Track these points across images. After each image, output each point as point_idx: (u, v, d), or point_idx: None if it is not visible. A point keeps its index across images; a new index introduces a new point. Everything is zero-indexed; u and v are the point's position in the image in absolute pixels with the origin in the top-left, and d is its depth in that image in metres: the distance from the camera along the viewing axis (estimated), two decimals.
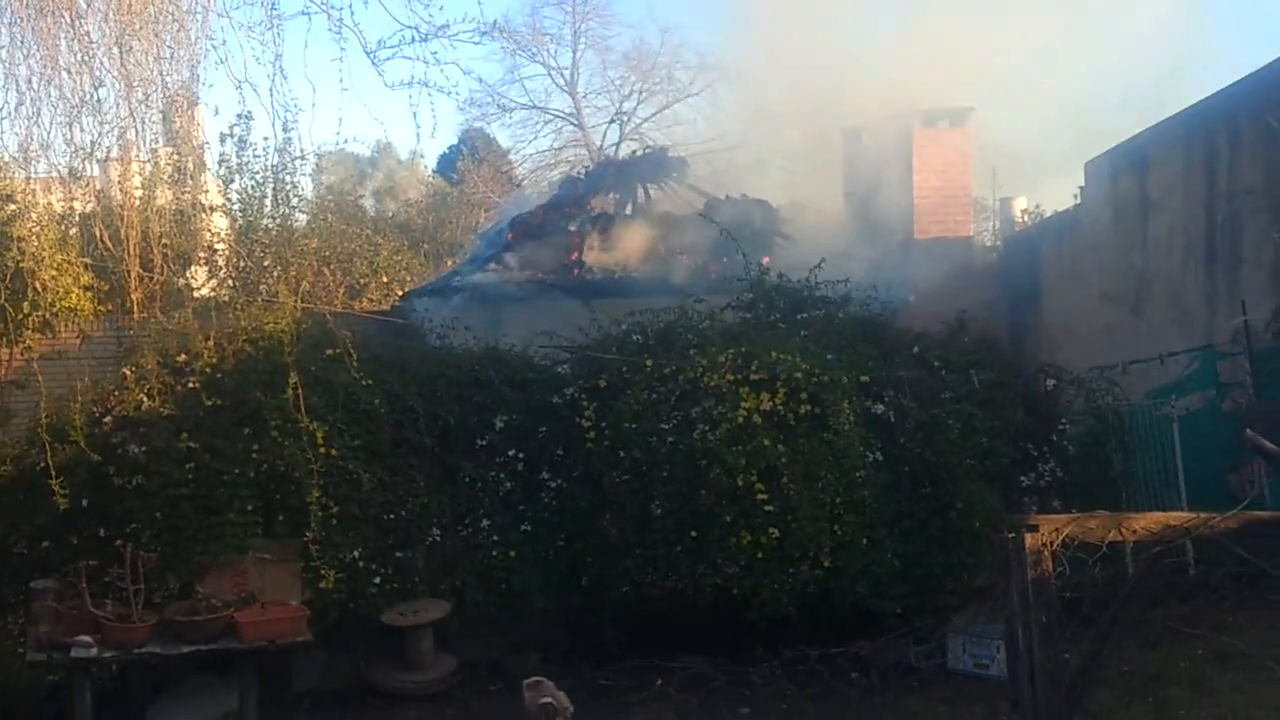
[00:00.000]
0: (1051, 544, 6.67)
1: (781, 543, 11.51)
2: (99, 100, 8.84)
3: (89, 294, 12.92)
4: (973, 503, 12.19)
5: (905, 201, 18.88)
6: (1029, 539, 6.67)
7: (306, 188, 18.12)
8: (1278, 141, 14.18)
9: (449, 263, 20.33)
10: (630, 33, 51.72)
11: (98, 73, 8.67)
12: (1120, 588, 8.16)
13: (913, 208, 18.73)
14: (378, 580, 11.91)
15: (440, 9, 8.42)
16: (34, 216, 11.72)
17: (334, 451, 11.75)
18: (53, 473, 10.86)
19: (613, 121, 39.58)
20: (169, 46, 8.56)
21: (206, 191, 14.60)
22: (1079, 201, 19.39)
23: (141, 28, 8.40)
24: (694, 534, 11.71)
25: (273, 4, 8.44)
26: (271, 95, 8.67)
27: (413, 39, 8.51)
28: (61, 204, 11.71)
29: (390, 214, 31.11)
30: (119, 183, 11.70)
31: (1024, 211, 24.81)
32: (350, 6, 8.30)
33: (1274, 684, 9.21)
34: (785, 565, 11.58)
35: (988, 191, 25.45)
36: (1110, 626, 7.63)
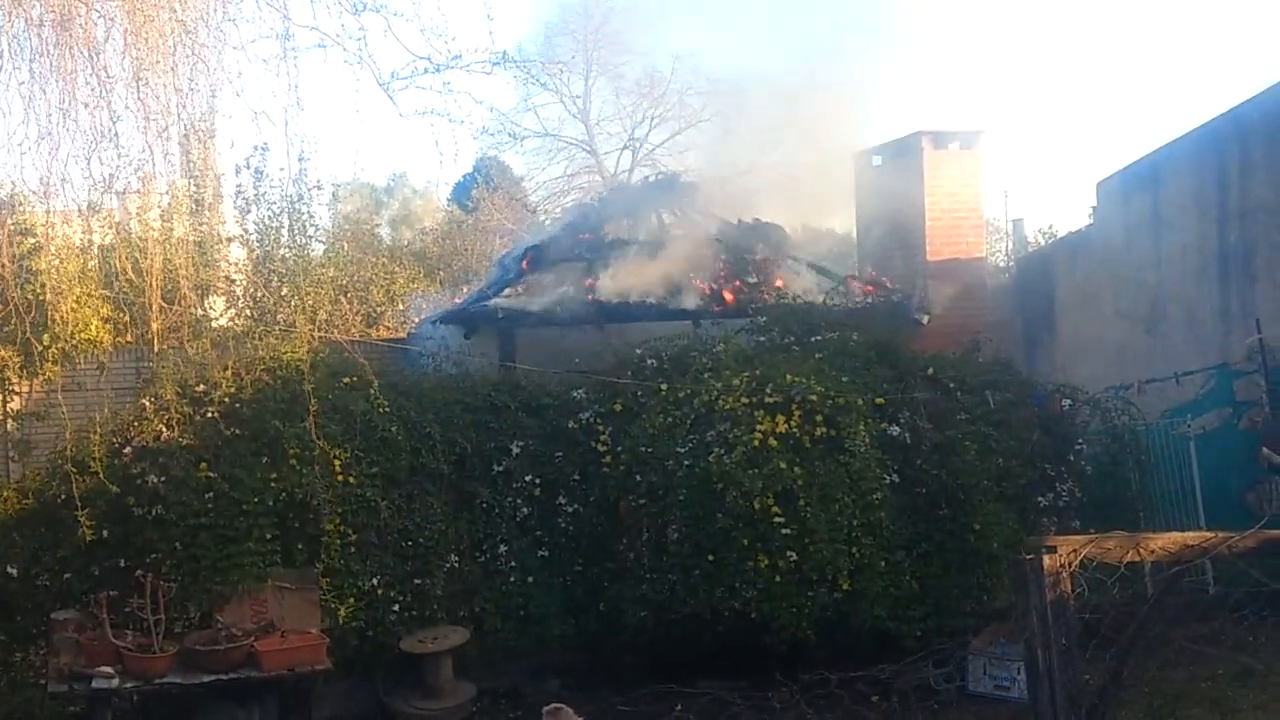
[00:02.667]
0: (1070, 565, 6.70)
1: (799, 566, 11.52)
2: (117, 133, 8.92)
3: (108, 326, 13.00)
4: (990, 524, 12.19)
5: (917, 223, 18.89)
6: (1047, 560, 6.69)
7: (323, 217, 18.21)
8: None
9: (464, 290, 20.38)
10: (642, 60, 51.74)
11: (115, 106, 8.75)
12: (1139, 608, 8.16)
13: (924, 229, 18.72)
14: (396, 608, 11.95)
15: (454, 39, 8.49)
16: (53, 249, 11.81)
17: (352, 479, 11.80)
18: (78, 504, 10.93)
19: (625, 148, 39.74)
20: (187, 79, 8.64)
21: (224, 222, 14.71)
22: (1092, 221, 19.39)
23: (159, 61, 8.48)
24: (711, 558, 11.71)
25: (288, 36, 8.52)
26: (287, 126, 8.75)
27: (426, 70, 8.59)
28: (81, 236, 11.78)
29: (406, 242, 31.27)
30: (138, 215, 11.78)
31: (1037, 232, 24.83)
32: (364, 39, 8.38)
33: None
34: (803, 588, 11.58)
35: (1000, 213, 25.51)
36: (1130, 647, 7.64)
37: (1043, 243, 24.31)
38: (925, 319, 17.18)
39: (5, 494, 12.01)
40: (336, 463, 11.72)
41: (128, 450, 11.73)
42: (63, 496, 11.39)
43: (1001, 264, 24.81)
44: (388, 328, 19.01)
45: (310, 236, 16.32)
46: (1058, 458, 13.22)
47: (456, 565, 12.35)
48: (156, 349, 11.56)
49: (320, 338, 12.77)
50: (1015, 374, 14.64)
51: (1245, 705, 9.78)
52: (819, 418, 11.99)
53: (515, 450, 12.84)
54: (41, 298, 10.92)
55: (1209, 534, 7.44)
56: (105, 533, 11.34)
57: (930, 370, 13.40)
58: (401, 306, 20.00)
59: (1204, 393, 14.21)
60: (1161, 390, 14.29)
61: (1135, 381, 14.33)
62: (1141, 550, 6.88)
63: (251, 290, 15.26)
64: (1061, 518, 12.81)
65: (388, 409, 12.15)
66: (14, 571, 11.57)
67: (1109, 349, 17.48)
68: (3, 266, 9.61)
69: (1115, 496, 13.24)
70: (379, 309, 20.11)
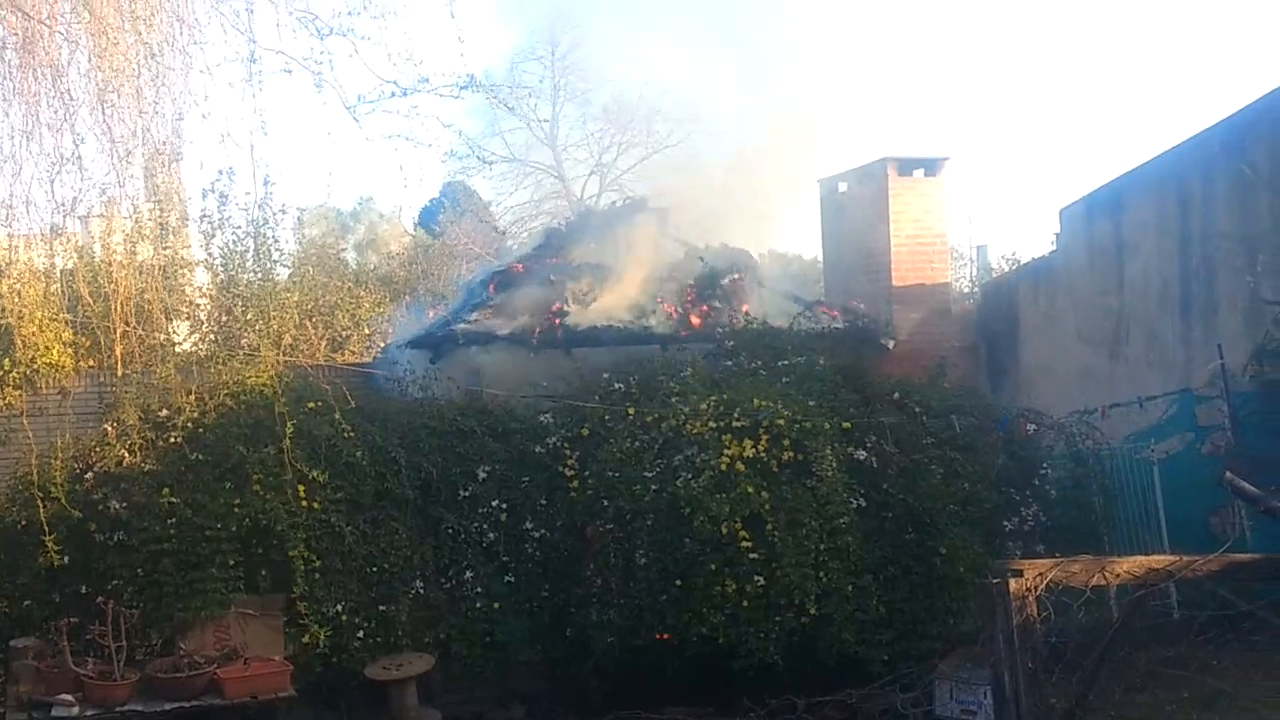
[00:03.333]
0: (1036, 588, 6.72)
1: (766, 590, 11.50)
2: (80, 156, 8.87)
3: (70, 350, 12.90)
4: (956, 548, 12.21)
5: (882, 249, 18.97)
6: (1013, 584, 6.72)
7: (288, 242, 18.13)
8: (1251, 186, 14.33)
9: (431, 314, 20.31)
10: (609, 86, 51.88)
11: (79, 129, 8.71)
12: (1105, 632, 8.19)
13: (889, 255, 18.81)
14: (361, 634, 11.87)
15: (420, 63, 8.49)
16: (15, 273, 11.72)
17: (316, 505, 11.73)
18: (45, 529, 10.83)
19: (593, 173, 39.81)
20: (152, 103, 8.60)
21: (189, 246, 14.63)
22: (1055, 247, 19.52)
23: (124, 84, 8.45)
24: (678, 583, 11.69)
25: (249, 58, 8.49)
26: (253, 150, 8.73)
27: (393, 94, 8.58)
28: (43, 260, 11.70)
29: (372, 267, 31.16)
30: (101, 239, 11.71)
31: (1001, 258, 24.97)
32: (330, 62, 8.37)
33: None
34: (771, 613, 11.56)
35: (964, 239, 25.67)
36: (1096, 670, 7.66)
37: (1007, 269, 24.44)
38: (891, 344, 17.25)
39: None
40: (301, 488, 11.64)
41: (89, 476, 11.64)
42: (23, 522, 11.29)
43: (966, 290, 24.91)
44: (353, 352, 18.92)
45: (275, 261, 16.23)
46: (1023, 482, 13.27)
47: (422, 591, 12.27)
48: (120, 373, 11.48)
49: (285, 362, 12.70)
50: (980, 399, 14.70)
51: None
52: (786, 442, 12.00)
53: (482, 475, 12.79)
54: (3, 321, 10.84)
55: (1173, 557, 7.48)
56: (66, 559, 11.24)
57: (896, 395, 13.44)
58: (367, 331, 19.91)
59: (1167, 417, 14.28)
60: (1125, 415, 14.36)
61: (1099, 406, 14.39)
62: (1107, 574, 6.92)
63: (216, 315, 15.17)
64: (1026, 542, 12.84)
65: (353, 434, 12.10)
66: None
67: (1073, 374, 17.56)
68: None
69: (1080, 521, 13.28)
70: (345, 334, 20.00)
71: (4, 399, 12.66)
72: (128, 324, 10.07)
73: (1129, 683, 10.60)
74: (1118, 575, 6.98)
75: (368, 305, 21.10)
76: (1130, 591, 7.56)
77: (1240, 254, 14.66)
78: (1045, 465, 13.51)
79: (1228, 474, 9.87)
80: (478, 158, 9.45)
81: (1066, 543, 12.19)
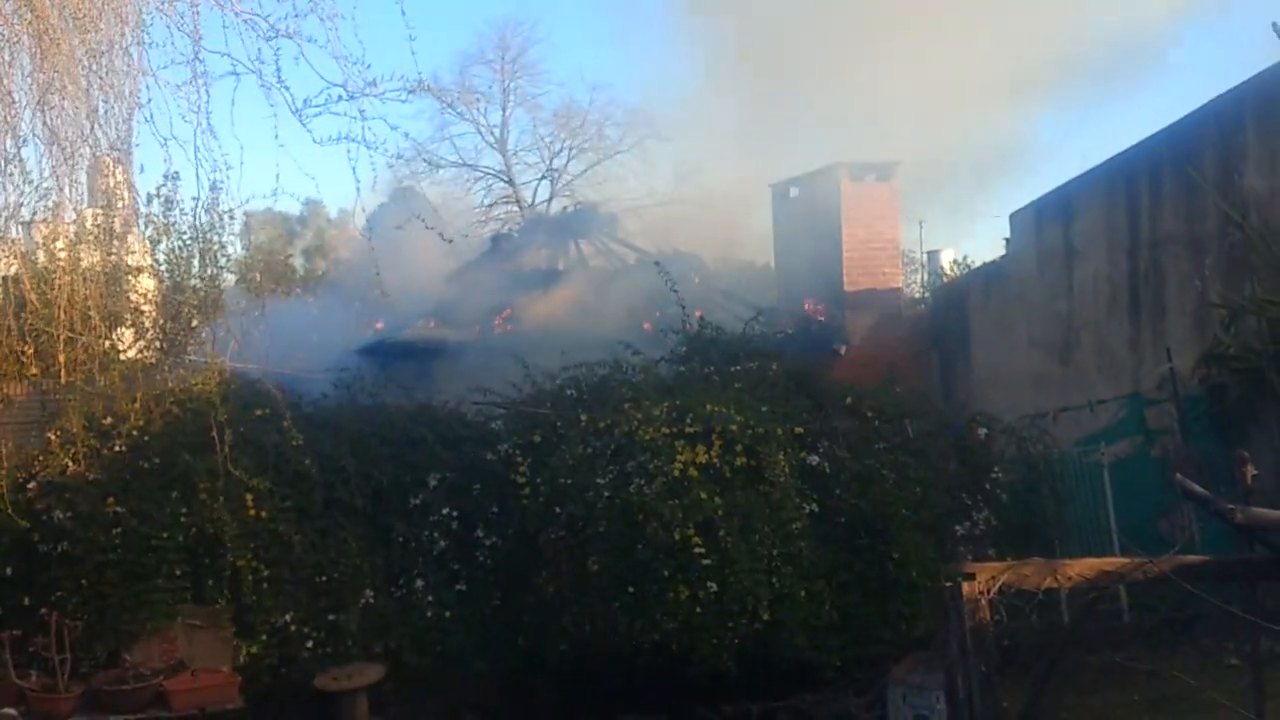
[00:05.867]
0: (988, 592, 6.70)
1: (720, 597, 11.47)
2: (22, 159, 8.71)
3: (13, 357, 12.68)
4: (909, 553, 12.22)
5: (834, 254, 19.03)
6: (966, 588, 6.69)
7: (235, 247, 17.95)
8: (1198, 191, 14.46)
9: (379, 323, 20.19)
10: (560, 90, 51.78)
11: (21, 132, 8.56)
12: (1057, 634, 8.20)
13: (841, 260, 18.87)
14: (310, 644, 11.72)
15: (368, 67, 8.38)
16: None
17: (264, 514, 11.58)
18: None
19: (544, 178, 39.74)
20: (98, 105, 8.46)
21: (133, 252, 14.42)
22: (1005, 252, 19.64)
23: (67, 86, 8.30)
24: (631, 589, 11.63)
25: (194, 59, 8.36)
26: (197, 154, 8.59)
27: (339, 97, 8.47)
28: None
29: (320, 272, 30.93)
30: (44, 244, 11.52)
31: (952, 263, 25.11)
32: (277, 65, 8.24)
33: None
34: (724, 619, 11.52)
35: (915, 244, 25.82)
36: (1048, 673, 7.66)
37: (958, 273, 24.59)
38: (843, 349, 17.29)
39: None
40: (249, 496, 11.49)
41: (32, 485, 11.45)
42: None
43: (918, 295, 25.05)
44: (301, 360, 18.75)
45: (222, 267, 16.04)
46: (974, 486, 13.31)
47: (372, 600, 12.15)
48: (64, 380, 11.30)
49: (232, 369, 12.55)
50: (933, 403, 14.76)
51: None
52: (739, 447, 11.98)
53: (432, 483, 12.67)
54: None
55: (1124, 560, 7.48)
56: (8, 570, 11.05)
57: (849, 400, 13.46)
58: (315, 338, 19.74)
59: (1117, 421, 14.39)
60: (1076, 419, 14.46)
61: (1050, 410, 14.49)
62: (1059, 576, 6.90)
63: (161, 322, 14.97)
64: (978, 545, 12.88)
65: (301, 442, 11.95)
66: None
67: (1024, 378, 17.68)
68: None
69: (1030, 524, 13.33)
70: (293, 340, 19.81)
71: None
72: (72, 331, 9.92)
73: (1081, 685, 10.64)
74: (1070, 578, 6.97)
75: (316, 311, 20.93)
76: (1082, 594, 7.56)
77: (1188, 258, 14.81)
78: (996, 469, 13.56)
79: (1178, 476, 9.92)
80: (425, 161, 9.30)
81: (1018, 546, 12.23)
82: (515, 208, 38.41)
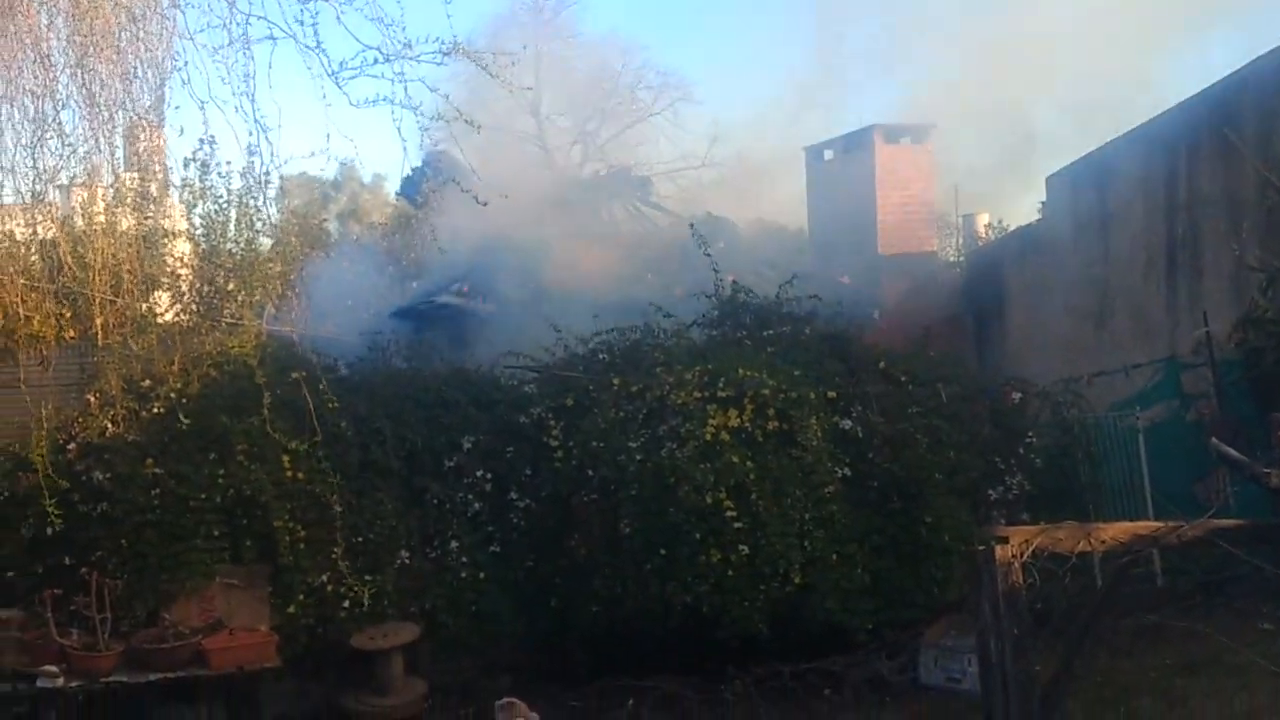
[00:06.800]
0: (1021, 555, 6.70)
1: (751, 560, 11.50)
2: (61, 123, 8.78)
3: (51, 320, 12.80)
4: (942, 517, 12.22)
5: (869, 218, 18.96)
6: (999, 551, 6.69)
7: (271, 212, 18.07)
8: (1235, 154, 14.32)
9: (414, 285, 20.26)
10: (592, 53, 51.60)
11: (60, 96, 8.62)
12: (1090, 598, 8.20)
13: (876, 224, 18.80)
14: (346, 604, 11.80)
15: (404, 29, 8.39)
16: None
17: (301, 475, 11.67)
18: (46, 495, 10.75)
19: (576, 142, 39.59)
20: (134, 68, 8.51)
21: (170, 216, 14.52)
22: (1041, 216, 19.52)
23: (104, 50, 8.35)
24: (663, 552, 11.68)
25: (231, 22, 8.38)
26: (236, 116, 8.63)
27: (375, 60, 8.48)
28: (23, 229, 11.60)
29: (355, 237, 30.99)
30: (82, 207, 11.61)
31: (987, 226, 24.98)
32: (315, 27, 8.26)
33: (1243, 691, 9.26)
34: (755, 583, 11.56)
35: (950, 207, 25.64)
36: (1081, 637, 7.67)
37: (993, 237, 24.45)
38: (877, 313, 17.23)
39: None
40: (285, 458, 11.59)
41: (72, 446, 11.57)
42: (6, 494, 11.22)
43: (953, 259, 24.92)
44: (336, 323, 18.86)
45: (258, 231, 16.13)
46: (1008, 450, 13.27)
47: (407, 561, 12.23)
48: (101, 343, 11.40)
49: (268, 332, 12.63)
50: (966, 367, 14.71)
51: (1195, 695, 9.84)
52: (771, 411, 11.99)
53: (466, 445, 12.74)
54: None
55: (1158, 524, 7.47)
56: (50, 530, 11.18)
57: (882, 364, 13.42)
58: (350, 302, 19.83)
59: (1152, 385, 14.32)
60: (1110, 383, 14.39)
61: (1084, 374, 14.42)
62: (1092, 540, 6.90)
63: (198, 285, 15.08)
64: (1011, 510, 12.86)
65: (337, 404, 12.04)
66: None
67: (1058, 342, 17.61)
68: None
69: (1065, 488, 13.31)
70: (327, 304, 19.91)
71: None
72: (111, 294, 10.00)
73: (1114, 649, 10.65)
74: (1103, 542, 6.96)
75: (350, 276, 21.00)
76: (1116, 558, 7.56)
77: (1226, 221, 14.68)
78: (1031, 434, 13.53)
79: (1214, 440, 9.88)
80: (465, 121, 9.27)
81: (1052, 510, 12.19)
82: (548, 172, 38.34)
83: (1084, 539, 6.88)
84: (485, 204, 10.23)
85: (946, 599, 12.05)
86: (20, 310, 11.67)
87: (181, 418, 11.60)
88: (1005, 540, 6.76)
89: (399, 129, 8.62)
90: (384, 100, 8.48)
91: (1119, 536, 7.02)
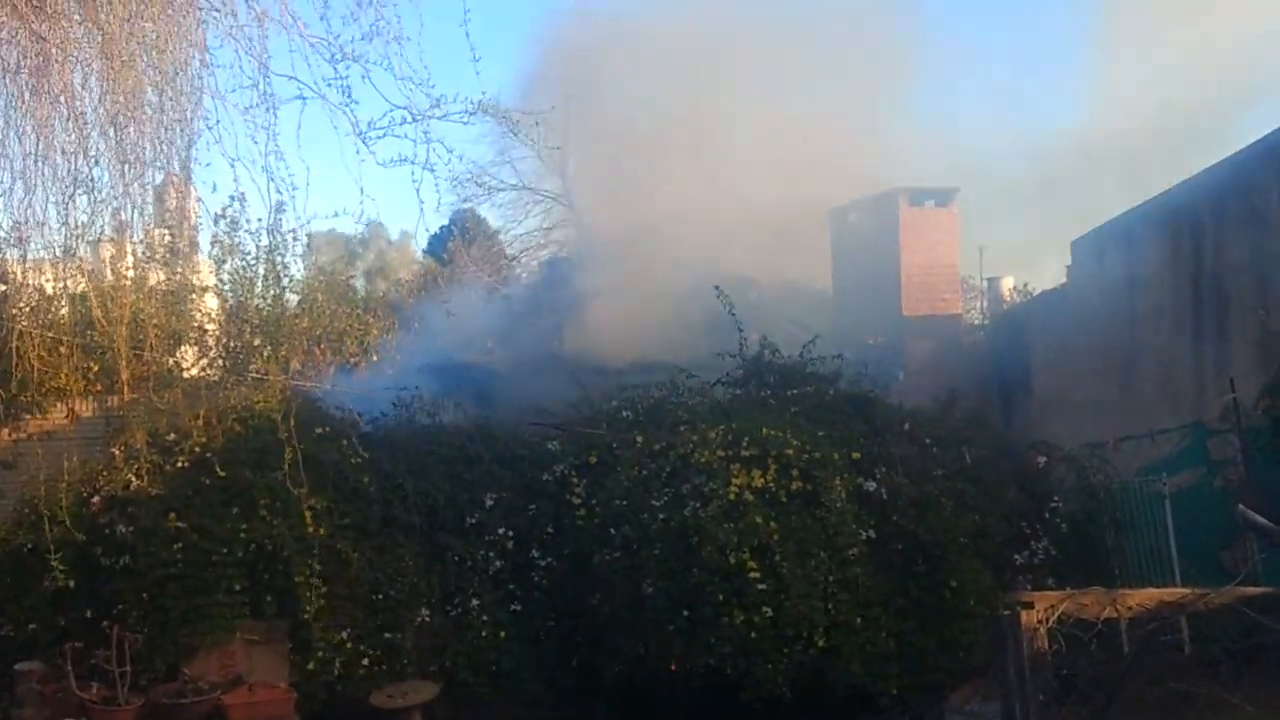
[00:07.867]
0: (1047, 621, 6.65)
1: (775, 622, 11.42)
2: (92, 180, 8.86)
3: (78, 374, 12.89)
4: (966, 581, 12.12)
5: (893, 280, 18.98)
6: (1024, 616, 6.65)
7: (297, 268, 18.20)
8: (1261, 219, 14.31)
9: (439, 342, 20.30)
10: (619, 113, 51.79)
11: (92, 153, 8.70)
12: (1116, 665, 8.12)
13: (900, 286, 18.82)
14: (366, 661, 11.78)
15: (433, 87, 8.45)
16: (25, 296, 11.72)
17: (323, 530, 11.67)
18: (52, 550, 10.78)
19: (602, 201, 39.77)
20: (164, 127, 8.59)
21: (199, 272, 14.66)
22: (1067, 280, 19.49)
23: (136, 109, 8.44)
24: (686, 613, 11.61)
25: (261, 83, 8.45)
26: (265, 175, 8.69)
27: (403, 120, 8.54)
28: (52, 284, 11.72)
29: (381, 293, 31.21)
30: (110, 263, 11.70)
31: (1012, 290, 24.94)
32: (346, 87, 8.33)
33: None
34: (779, 645, 11.48)
35: (975, 270, 25.62)
36: (1107, 704, 7.58)
37: (1018, 300, 24.41)
38: (901, 375, 17.19)
39: None
40: (308, 513, 11.59)
41: (96, 499, 11.61)
42: (29, 546, 11.25)
43: (977, 321, 24.88)
44: (362, 379, 18.94)
45: (285, 287, 16.26)
46: (1033, 514, 13.20)
47: (428, 619, 12.20)
48: (126, 397, 11.46)
49: (293, 387, 12.68)
50: (991, 430, 14.63)
51: None
52: (795, 472, 11.95)
53: (489, 502, 12.74)
54: (11, 344, 10.82)
55: (1185, 590, 7.41)
56: (72, 583, 11.20)
57: (907, 425, 13.38)
58: (376, 358, 19.93)
59: (1179, 451, 14.21)
60: (1137, 448, 14.29)
61: (1111, 439, 14.33)
62: (1119, 606, 6.85)
63: (224, 340, 15.18)
64: (1037, 575, 12.76)
65: (360, 460, 12.05)
66: None
67: (1084, 406, 17.50)
68: None
69: (1091, 554, 13.20)
70: (353, 360, 20.01)
71: (11, 423, 12.63)
72: (137, 349, 10.05)
73: (1140, 717, 10.50)
74: (1129, 608, 6.92)
75: (376, 332, 21.12)
76: (1142, 625, 7.49)
77: (1251, 287, 14.63)
78: (1056, 498, 13.45)
79: (1240, 507, 9.80)
80: (477, 184, 9.35)
81: (1077, 576, 12.09)
82: (573, 230, 38.53)
83: (1110, 605, 6.83)
84: (511, 262, 10.26)
85: (971, 663, 11.92)
86: (46, 363, 11.76)
87: (213, 471, 11.62)
88: (1031, 605, 6.72)
89: (418, 190, 8.64)
90: (406, 161, 8.51)
91: (1146, 603, 6.97)
